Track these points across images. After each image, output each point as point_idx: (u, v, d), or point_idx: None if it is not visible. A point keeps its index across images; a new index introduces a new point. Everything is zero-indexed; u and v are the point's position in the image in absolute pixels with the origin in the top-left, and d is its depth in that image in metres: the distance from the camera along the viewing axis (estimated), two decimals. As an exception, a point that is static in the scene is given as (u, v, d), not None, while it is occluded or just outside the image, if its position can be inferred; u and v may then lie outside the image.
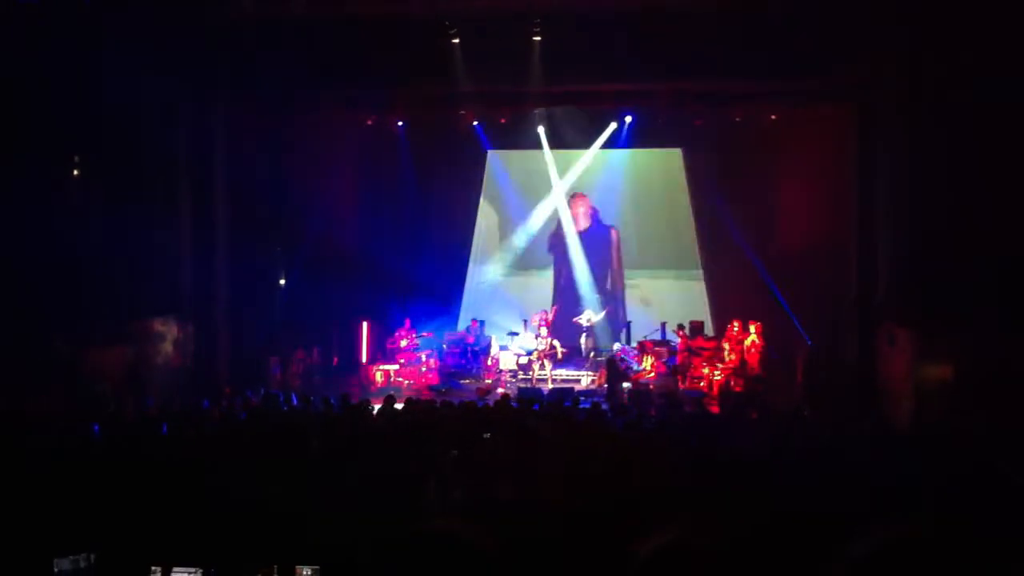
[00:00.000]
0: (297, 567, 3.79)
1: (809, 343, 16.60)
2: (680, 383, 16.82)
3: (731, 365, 16.74)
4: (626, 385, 16.25)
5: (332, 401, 11.83)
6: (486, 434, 8.44)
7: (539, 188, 20.77)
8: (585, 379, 18.06)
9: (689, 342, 17.44)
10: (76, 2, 12.34)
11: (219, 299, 15.76)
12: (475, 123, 19.23)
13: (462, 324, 20.04)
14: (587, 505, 4.81)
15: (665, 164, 20.66)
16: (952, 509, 4.77)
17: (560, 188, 20.63)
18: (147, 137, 13.62)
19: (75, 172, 13.25)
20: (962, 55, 11.96)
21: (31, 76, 11.80)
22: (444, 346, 19.00)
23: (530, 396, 13.48)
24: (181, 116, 14.85)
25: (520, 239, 21.09)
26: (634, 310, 20.58)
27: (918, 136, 13.17)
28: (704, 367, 17.07)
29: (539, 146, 19.85)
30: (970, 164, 12.13)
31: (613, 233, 21.01)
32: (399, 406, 11.11)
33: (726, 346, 17.03)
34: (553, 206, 20.85)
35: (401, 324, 18.26)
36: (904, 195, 13.67)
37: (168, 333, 14.55)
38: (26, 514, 4.46)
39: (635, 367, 17.15)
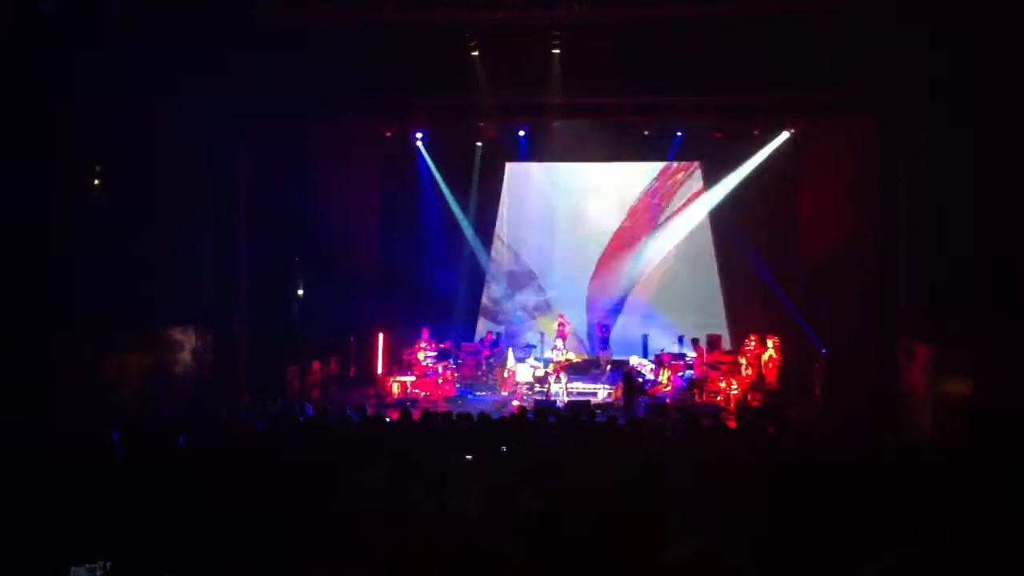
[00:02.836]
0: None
1: (825, 354, 16.50)
2: (697, 397, 16.76)
3: (748, 379, 16.66)
4: (643, 399, 16.19)
5: (349, 412, 11.83)
6: (503, 447, 8.42)
7: (557, 200, 20.79)
8: (601, 392, 18.00)
9: (707, 356, 17.37)
10: (97, 6, 12.42)
11: (239, 308, 15.79)
12: (494, 135, 19.26)
13: (479, 336, 20.03)
14: (605, 515, 4.78)
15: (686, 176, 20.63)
16: (970, 525, 4.72)
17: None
18: (169, 145, 13.67)
19: (96, 181, 13.32)
20: (983, 64, 11.90)
21: (52, 81, 11.87)
22: (461, 358, 18.98)
23: (546, 409, 13.44)
24: (203, 124, 14.91)
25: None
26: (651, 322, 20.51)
27: (939, 147, 13.09)
28: (721, 381, 17.00)
29: (557, 159, 19.87)
30: (991, 175, 12.05)
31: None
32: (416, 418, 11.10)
33: (743, 360, 16.95)
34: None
35: (419, 335, 18.25)
36: (925, 207, 13.59)
37: (187, 341, 14.59)
38: (43, 522, 4.47)
39: (652, 380, 17.10)
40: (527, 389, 18.22)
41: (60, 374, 11.71)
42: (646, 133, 18.73)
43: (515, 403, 15.95)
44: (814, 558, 4.03)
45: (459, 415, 11.02)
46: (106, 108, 12.47)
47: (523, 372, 18.48)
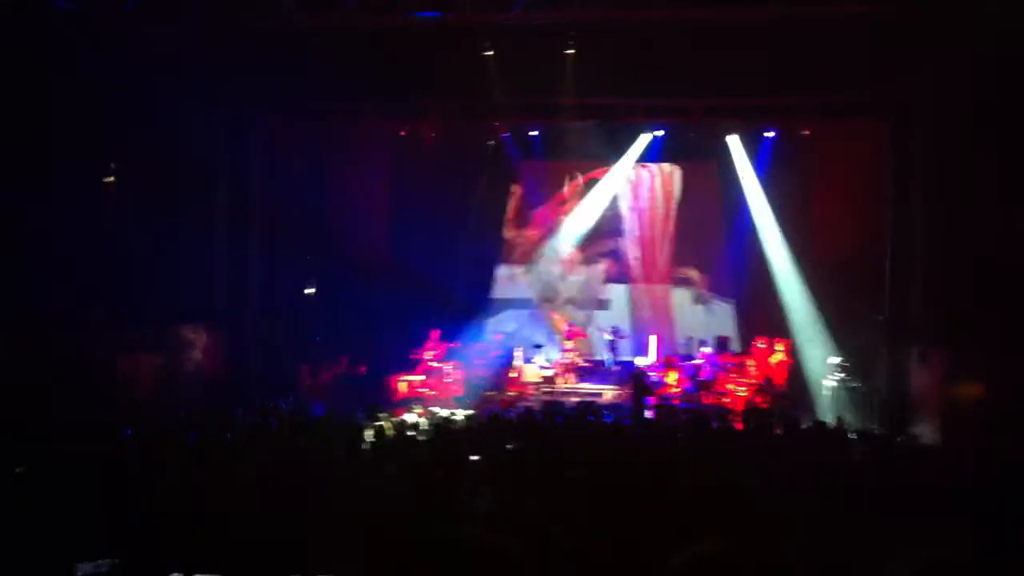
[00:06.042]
0: (317, 577, 3.78)
1: (839, 361, 16.42)
2: (705, 399, 16.71)
3: (756, 381, 16.61)
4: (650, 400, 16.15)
5: (358, 411, 11.84)
6: (509, 445, 8.41)
7: (569, 200, 20.75)
8: (609, 393, 17.96)
9: (715, 357, 17.32)
10: (114, 8, 12.45)
11: (251, 307, 15.81)
12: (506, 135, 19.25)
13: (487, 336, 20.01)
14: (614, 516, 4.77)
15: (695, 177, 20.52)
16: (982, 529, 4.70)
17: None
18: (185, 145, 13.73)
19: (111, 180, 13.36)
20: (998, 72, 11.84)
21: (68, 82, 11.90)
22: (469, 357, 18.97)
23: (553, 409, 13.43)
24: (219, 125, 14.96)
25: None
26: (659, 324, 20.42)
27: (953, 152, 13.04)
28: (729, 383, 16.95)
29: (570, 159, 19.82)
30: (1005, 181, 11.99)
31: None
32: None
33: (752, 363, 16.91)
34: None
35: (427, 335, 18.24)
36: (938, 212, 13.53)
37: (199, 341, 14.62)
38: (50, 519, 4.48)
39: (660, 382, 17.06)
40: (535, 389, 18.20)
41: (73, 373, 11.74)
42: (660, 134, 18.71)
43: (522, 403, 15.93)
44: (821, 561, 4.00)
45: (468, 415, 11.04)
46: (120, 108, 12.51)
47: (531, 372, 18.46)
